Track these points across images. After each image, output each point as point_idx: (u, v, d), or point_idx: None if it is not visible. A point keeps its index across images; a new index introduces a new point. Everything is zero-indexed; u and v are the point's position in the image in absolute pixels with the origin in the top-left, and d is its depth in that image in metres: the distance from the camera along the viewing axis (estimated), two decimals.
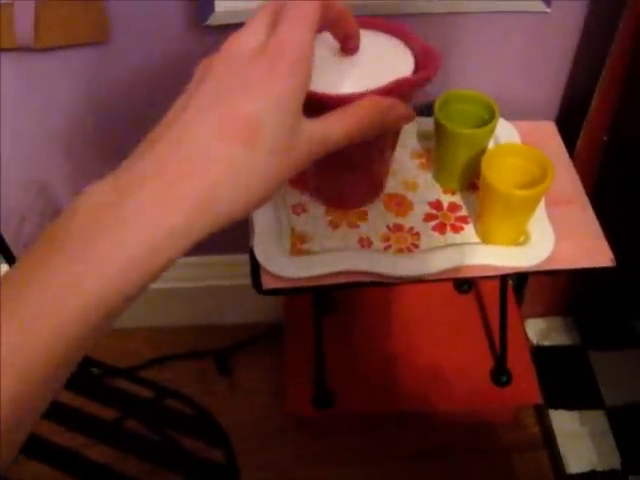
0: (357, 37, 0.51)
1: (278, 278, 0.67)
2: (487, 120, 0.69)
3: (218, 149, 0.36)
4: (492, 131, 0.70)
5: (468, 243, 0.70)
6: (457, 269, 0.68)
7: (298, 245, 0.70)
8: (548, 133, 0.82)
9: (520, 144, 0.75)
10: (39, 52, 0.76)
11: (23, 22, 0.69)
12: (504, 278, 0.91)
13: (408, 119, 0.50)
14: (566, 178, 0.77)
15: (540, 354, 1.07)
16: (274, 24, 0.40)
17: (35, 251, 0.34)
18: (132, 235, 0.34)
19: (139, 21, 0.75)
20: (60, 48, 0.77)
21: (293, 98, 0.38)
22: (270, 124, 0.37)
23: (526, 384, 0.96)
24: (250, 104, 0.37)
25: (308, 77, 0.39)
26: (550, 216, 0.71)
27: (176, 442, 1.00)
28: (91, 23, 0.73)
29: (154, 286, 1.17)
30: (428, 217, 0.72)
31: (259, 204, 0.38)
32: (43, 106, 0.84)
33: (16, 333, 0.31)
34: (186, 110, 0.38)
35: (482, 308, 1.04)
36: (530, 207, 0.66)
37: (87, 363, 1.02)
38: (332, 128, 0.42)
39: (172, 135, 0.37)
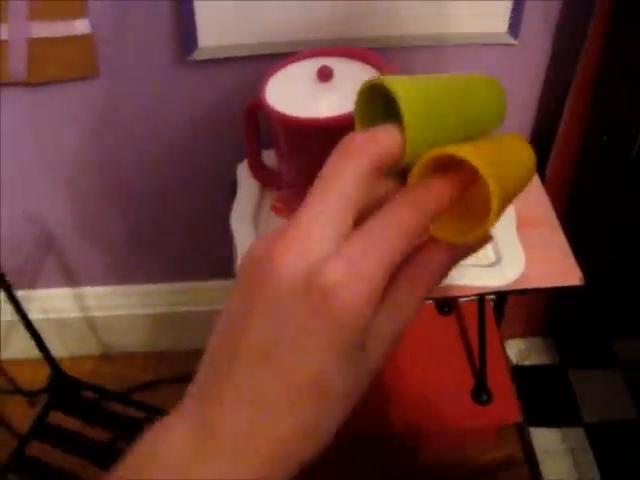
0: None
1: None
2: None
3: (290, 408, 0.34)
4: None
5: None
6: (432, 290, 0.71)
7: None
8: None
9: None
10: (31, 86, 0.80)
11: (16, 58, 0.73)
12: (482, 298, 0.94)
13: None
14: (537, 201, 0.80)
15: (520, 374, 1.10)
16: (341, 237, 0.33)
17: None
18: None
19: (127, 55, 0.78)
20: (52, 83, 0.80)
21: (357, 346, 0.34)
22: (339, 378, 0.34)
23: (506, 402, 0.99)
24: (317, 362, 0.33)
25: (369, 322, 0.33)
26: (521, 237, 0.74)
27: None
28: (81, 58, 0.77)
29: (144, 312, 1.18)
30: None
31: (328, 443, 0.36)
32: (36, 138, 0.87)
33: None
34: (244, 349, 0.34)
35: (463, 329, 1.07)
36: None
37: (81, 387, 1.05)
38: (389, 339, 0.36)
39: (239, 383, 0.34)
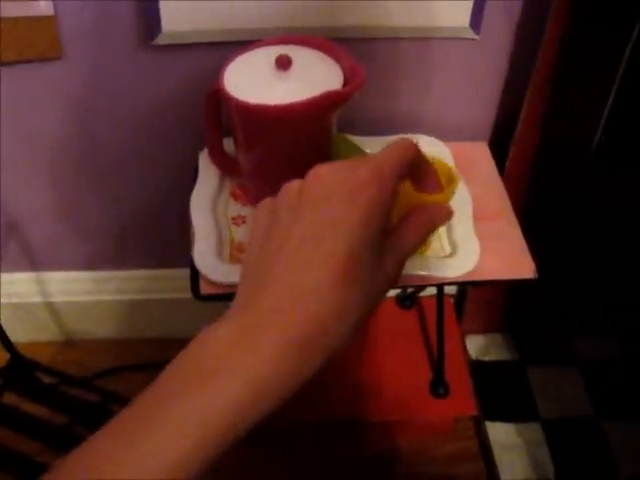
0: (433, 175, 0.50)
1: (216, 285, 0.70)
2: None
3: (328, 292, 0.40)
4: None
5: None
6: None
7: (236, 254, 0.73)
8: (480, 153, 0.87)
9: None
10: None
11: None
12: (440, 291, 0.95)
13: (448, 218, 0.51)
14: (495, 194, 0.81)
15: (479, 369, 1.11)
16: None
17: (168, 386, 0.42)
18: (254, 371, 0.39)
19: (91, 38, 0.78)
20: (14, 64, 0.80)
21: (377, 228, 0.42)
22: (367, 264, 0.42)
23: (463, 396, 1.00)
24: (346, 243, 0.40)
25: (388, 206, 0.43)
26: (478, 230, 0.74)
27: None
28: (44, 39, 0.76)
29: (107, 298, 1.17)
30: None
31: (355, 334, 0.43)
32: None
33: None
34: (288, 244, 0.42)
35: (423, 323, 1.08)
36: None
37: (37, 369, 1.04)
38: (408, 243, 0.45)
39: (282, 274, 0.41)
